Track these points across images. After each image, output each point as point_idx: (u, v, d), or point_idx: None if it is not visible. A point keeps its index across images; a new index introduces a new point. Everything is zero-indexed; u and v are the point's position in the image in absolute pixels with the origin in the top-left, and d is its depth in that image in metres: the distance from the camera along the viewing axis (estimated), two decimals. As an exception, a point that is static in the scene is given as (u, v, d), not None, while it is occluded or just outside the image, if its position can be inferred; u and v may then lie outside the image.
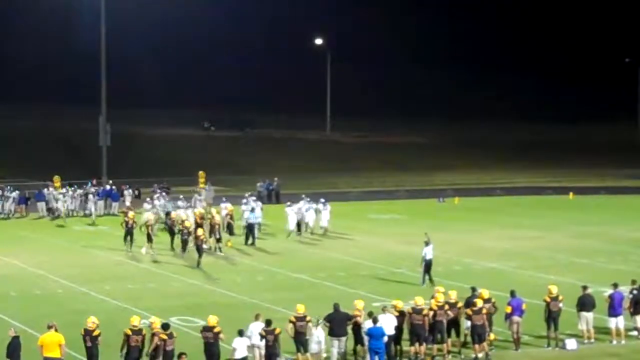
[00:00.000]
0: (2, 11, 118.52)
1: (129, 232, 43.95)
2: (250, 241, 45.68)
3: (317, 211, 49.40)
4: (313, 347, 25.83)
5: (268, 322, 25.36)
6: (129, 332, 24.06)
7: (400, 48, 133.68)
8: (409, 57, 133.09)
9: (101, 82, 66.68)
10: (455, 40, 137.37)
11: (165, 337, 24.19)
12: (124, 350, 24.12)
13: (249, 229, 45.97)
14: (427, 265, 36.13)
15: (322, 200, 50.69)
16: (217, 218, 44.87)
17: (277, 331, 25.23)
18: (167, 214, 48.60)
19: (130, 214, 45.25)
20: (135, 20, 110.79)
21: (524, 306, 27.88)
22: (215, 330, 24.70)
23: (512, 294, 28.26)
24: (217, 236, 43.88)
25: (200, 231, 41.35)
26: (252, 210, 47.30)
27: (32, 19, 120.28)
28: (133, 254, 43.22)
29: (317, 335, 25.79)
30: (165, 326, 24.54)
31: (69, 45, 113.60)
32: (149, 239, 43.41)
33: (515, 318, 27.63)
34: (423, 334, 26.56)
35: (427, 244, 36.38)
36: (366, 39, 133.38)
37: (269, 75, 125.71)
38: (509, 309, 27.71)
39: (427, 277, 36.02)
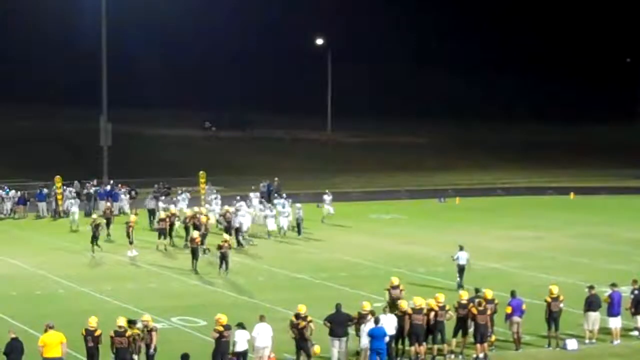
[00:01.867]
0: (3, 11, 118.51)
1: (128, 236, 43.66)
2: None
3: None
4: (363, 342, 25.90)
5: (297, 315, 25.82)
6: (112, 334, 24.07)
7: (400, 48, 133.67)
8: (409, 57, 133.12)
9: (102, 82, 66.68)
10: (456, 41, 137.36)
11: (137, 331, 24.26)
12: (114, 351, 24.17)
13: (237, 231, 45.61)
14: (460, 270, 35.53)
15: (284, 197, 50.89)
16: (203, 219, 44.67)
17: (300, 325, 25.51)
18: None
19: (94, 216, 45.69)
20: (136, 20, 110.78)
21: (523, 306, 27.89)
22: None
23: (512, 294, 28.29)
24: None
25: (195, 234, 40.88)
26: (236, 212, 47.11)
27: (32, 19, 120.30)
28: (101, 254, 43.07)
29: (366, 331, 25.88)
30: (132, 322, 24.61)
31: (70, 45, 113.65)
32: (130, 240, 43.22)
33: (516, 318, 27.65)
34: (422, 334, 26.56)
35: (461, 248, 35.83)
36: (366, 39, 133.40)
37: (269, 75, 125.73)
38: (509, 309, 27.73)
39: (459, 280, 35.44)
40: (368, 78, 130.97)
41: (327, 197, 54.56)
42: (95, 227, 43.26)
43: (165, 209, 49.57)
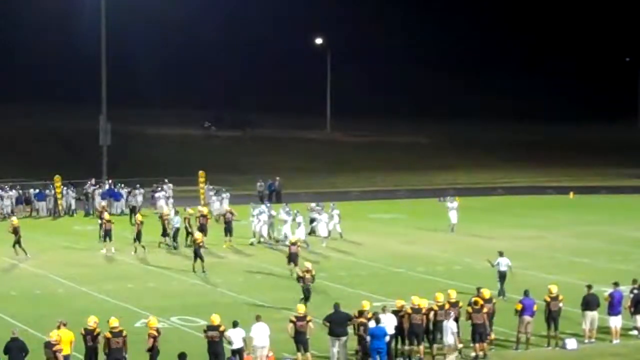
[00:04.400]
0: (3, 11, 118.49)
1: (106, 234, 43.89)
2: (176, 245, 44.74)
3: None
4: (448, 338, 26.02)
5: (361, 312, 26.30)
6: (109, 335, 24.03)
7: (401, 48, 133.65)
8: (410, 57, 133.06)
9: (102, 81, 66.68)
10: (456, 40, 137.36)
11: (109, 335, 24.22)
12: (106, 352, 24.11)
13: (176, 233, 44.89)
14: (502, 277, 34.19)
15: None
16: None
17: (359, 321, 26.09)
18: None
19: (13, 219, 45.21)
20: (136, 20, 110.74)
21: (535, 307, 27.83)
22: (221, 329, 24.76)
23: (526, 293, 28.36)
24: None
25: (198, 235, 40.44)
26: (177, 212, 46.46)
27: (32, 18, 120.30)
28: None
29: (451, 327, 25.97)
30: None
31: (70, 44, 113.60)
32: (108, 237, 43.59)
33: (527, 317, 27.62)
34: (421, 334, 26.56)
35: (500, 254, 34.65)
36: (367, 39, 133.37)
37: (269, 75, 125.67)
38: (519, 307, 27.74)
39: (500, 288, 34.00)
40: (368, 77, 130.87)
41: (452, 204, 50.65)
42: (14, 230, 42.48)
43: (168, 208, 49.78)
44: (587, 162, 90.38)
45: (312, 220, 47.34)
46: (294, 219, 45.52)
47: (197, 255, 39.00)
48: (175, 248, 44.28)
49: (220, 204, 54.34)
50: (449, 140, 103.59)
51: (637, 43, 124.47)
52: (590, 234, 49.58)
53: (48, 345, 23.52)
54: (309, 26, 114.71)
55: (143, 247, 43.19)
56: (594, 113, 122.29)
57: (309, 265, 32.72)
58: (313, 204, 49.00)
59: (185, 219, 45.16)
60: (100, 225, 46.34)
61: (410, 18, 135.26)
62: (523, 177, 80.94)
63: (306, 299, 31.44)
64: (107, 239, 43.55)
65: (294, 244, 38.21)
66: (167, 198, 56.83)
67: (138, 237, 43.11)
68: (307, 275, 31.96)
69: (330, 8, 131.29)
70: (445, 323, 26.05)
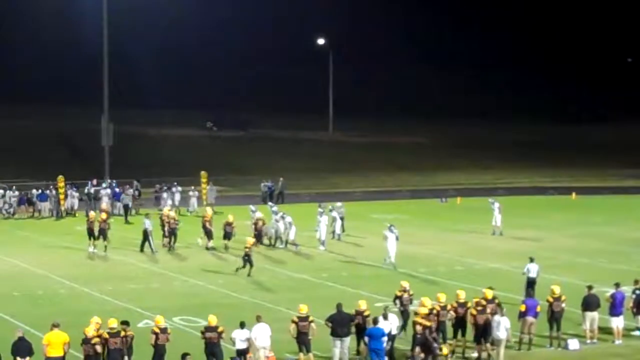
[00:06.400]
0: (3, 12, 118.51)
1: (98, 232, 44.31)
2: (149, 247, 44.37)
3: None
4: (499, 334, 26.04)
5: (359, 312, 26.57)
6: (107, 336, 24.05)
7: (402, 48, 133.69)
8: (411, 58, 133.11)
9: (103, 82, 66.72)
10: (457, 41, 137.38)
11: (131, 333, 24.37)
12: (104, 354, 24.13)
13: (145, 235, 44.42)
14: (530, 283, 33.21)
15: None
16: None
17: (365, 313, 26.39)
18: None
19: (91, 214, 46.21)
20: (137, 20, 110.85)
21: (538, 308, 27.81)
22: (219, 329, 24.76)
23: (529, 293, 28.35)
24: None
25: (249, 239, 39.70)
26: (147, 215, 46.54)
27: (34, 19, 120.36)
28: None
29: (504, 323, 26.04)
30: (126, 323, 24.66)
31: (71, 45, 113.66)
32: (91, 235, 43.96)
33: (530, 319, 27.60)
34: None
35: (531, 260, 34.25)
36: (368, 39, 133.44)
37: (271, 75, 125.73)
38: (522, 308, 27.73)
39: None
40: (369, 78, 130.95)
41: (493, 206, 49.38)
42: None
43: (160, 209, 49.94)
44: (589, 162, 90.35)
45: (334, 220, 47.33)
46: (277, 220, 45.50)
47: (247, 260, 38.47)
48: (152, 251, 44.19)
49: (171, 201, 55.11)
50: (450, 141, 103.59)
51: (638, 43, 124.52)
52: (592, 235, 49.56)
53: (86, 341, 23.71)
54: (311, 26, 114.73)
55: (105, 246, 43.70)
56: (595, 113, 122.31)
57: (406, 284, 29.16)
58: (339, 204, 49.01)
59: (162, 219, 45.49)
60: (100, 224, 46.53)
61: (412, 19, 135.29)
62: (525, 178, 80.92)
63: (404, 322, 28.16)
64: (92, 238, 44.03)
65: (229, 224, 43.58)
66: (108, 196, 57.17)
67: (102, 235, 43.91)
68: (405, 295, 28.62)
69: (332, 8, 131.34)
70: (497, 317, 26.12)
